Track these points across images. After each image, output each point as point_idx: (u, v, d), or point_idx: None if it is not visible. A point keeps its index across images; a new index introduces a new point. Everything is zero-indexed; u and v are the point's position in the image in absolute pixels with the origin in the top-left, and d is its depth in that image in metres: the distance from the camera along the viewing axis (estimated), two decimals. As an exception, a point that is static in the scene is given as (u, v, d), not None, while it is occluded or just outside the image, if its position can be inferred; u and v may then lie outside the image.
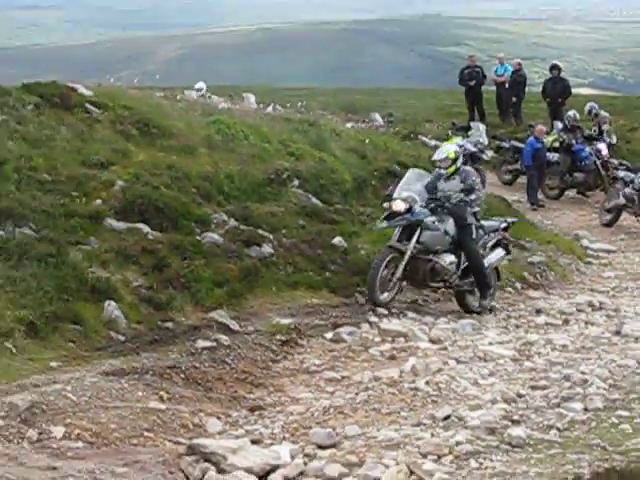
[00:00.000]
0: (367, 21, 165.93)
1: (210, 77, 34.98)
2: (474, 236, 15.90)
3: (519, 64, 35.67)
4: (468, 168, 16.64)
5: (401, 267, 14.90)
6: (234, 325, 13.25)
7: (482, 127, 28.55)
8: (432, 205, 15.53)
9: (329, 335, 13.68)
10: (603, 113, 29.26)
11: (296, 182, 17.82)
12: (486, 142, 27.53)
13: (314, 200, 17.60)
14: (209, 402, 11.20)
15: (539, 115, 33.12)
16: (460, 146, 26.71)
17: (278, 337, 13.25)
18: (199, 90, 29.20)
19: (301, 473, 9.07)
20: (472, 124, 29.35)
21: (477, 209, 16.24)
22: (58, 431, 9.57)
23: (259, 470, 9.17)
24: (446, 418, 10.12)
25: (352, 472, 8.85)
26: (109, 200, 14.89)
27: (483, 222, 16.51)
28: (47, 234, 13.56)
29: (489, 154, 27.91)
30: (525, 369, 12.09)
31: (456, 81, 35.78)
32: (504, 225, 16.95)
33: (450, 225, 15.57)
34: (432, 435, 9.65)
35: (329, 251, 16.04)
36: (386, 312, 14.89)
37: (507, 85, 34.96)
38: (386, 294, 14.81)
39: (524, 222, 22.03)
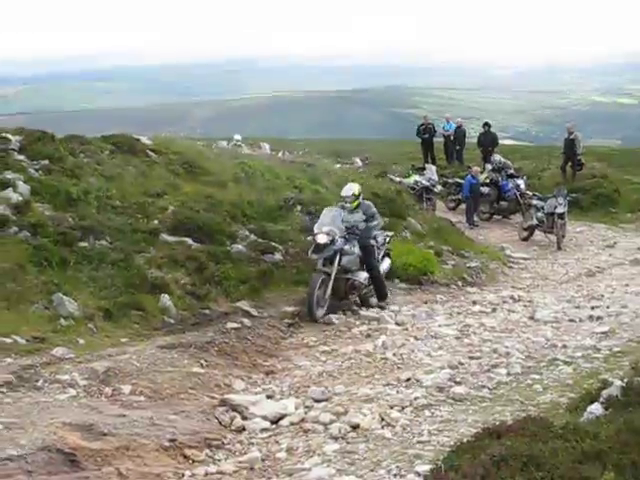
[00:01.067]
0: (349, 90, 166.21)
1: (235, 131, 35.00)
2: (375, 255, 15.11)
3: (460, 122, 35.84)
4: (367, 202, 15.50)
5: (330, 286, 13.99)
6: (254, 311, 13.27)
7: (433, 168, 28.77)
8: (345, 234, 14.56)
9: (322, 320, 13.73)
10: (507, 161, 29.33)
11: (299, 207, 17.81)
12: (436, 179, 27.73)
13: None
14: (235, 368, 11.19)
15: (475, 159, 33.15)
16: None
17: (286, 320, 13.29)
18: (237, 140, 29.14)
19: (302, 420, 9.11)
20: (426, 166, 29.57)
21: (376, 232, 15.37)
22: (126, 389, 9.57)
23: (272, 417, 9.20)
24: (407, 380, 10.14)
25: (339, 419, 8.89)
26: (164, 220, 14.89)
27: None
28: (118, 245, 13.58)
29: (439, 188, 28.05)
30: (464, 344, 12.10)
31: (414, 134, 35.87)
32: (388, 239, 16.07)
33: (357, 247, 14.71)
34: (397, 392, 9.67)
35: (322, 258, 16.06)
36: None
37: (452, 137, 35.10)
38: (320, 310, 13.75)
39: (464, 237, 22.08)
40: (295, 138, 47.73)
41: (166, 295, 12.88)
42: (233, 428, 9.04)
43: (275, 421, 9.17)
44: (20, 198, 13.84)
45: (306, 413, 9.28)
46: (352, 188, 15.28)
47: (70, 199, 14.36)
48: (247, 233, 15.81)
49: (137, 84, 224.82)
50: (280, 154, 28.57)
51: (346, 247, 14.35)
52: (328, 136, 52.88)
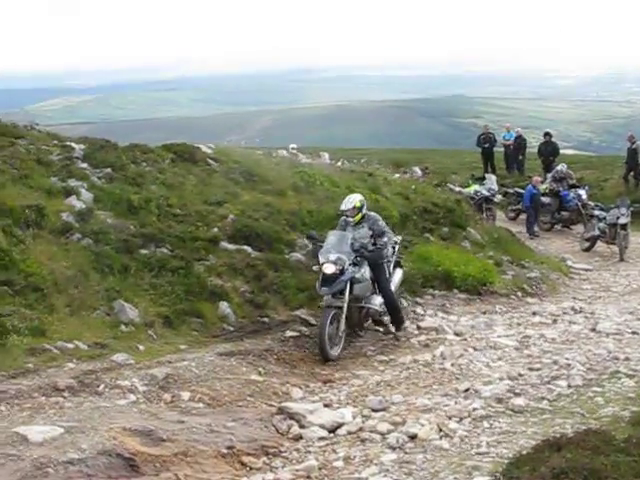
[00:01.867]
0: (410, 100, 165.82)
1: (295, 140, 35.12)
2: (387, 275, 13.63)
3: (520, 131, 35.60)
4: (373, 214, 13.75)
5: (343, 321, 12.47)
6: (312, 320, 13.25)
7: (493, 178, 28.54)
8: (354, 258, 12.97)
9: (381, 329, 13.67)
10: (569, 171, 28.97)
11: (358, 216, 17.77)
12: (496, 189, 27.49)
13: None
14: (293, 376, 11.22)
15: (535, 169, 32.88)
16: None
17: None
18: (293, 148, 29.20)
19: (360, 429, 9.08)
20: (486, 175, 29.35)
21: (389, 249, 13.87)
22: (185, 395, 9.65)
23: (329, 426, 9.19)
24: (466, 390, 10.06)
25: (397, 429, 8.84)
26: (223, 228, 14.95)
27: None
28: (179, 253, 13.67)
29: (499, 197, 27.85)
30: (524, 355, 11.96)
31: (474, 144, 35.68)
32: (396, 247, 14.39)
33: (367, 269, 13.17)
34: (455, 403, 9.60)
35: (378, 267, 16.00)
36: (422, 312, 14.85)
37: (512, 147, 34.84)
38: (336, 348, 12.30)
39: (524, 247, 21.86)
40: (355, 147, 47.72)
41: (225, 303, 12.95)
42: (290, 436, 9.05)
43: (332, 430, 9.16)
44: (83, 206, 14.03)
45: (363, 422, 9.26)
46: (353, 200, 13.53)
47: (132, 207, 14.52)
48: (305, 242, 15.81)
49: (200, 94, 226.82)
50: (339, 163, 28.50)
51: (357, 275, 12.86)
52: (388, 146, 52.78)
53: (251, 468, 8.18)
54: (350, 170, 23.41)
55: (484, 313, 15.58)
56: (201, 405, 9.50)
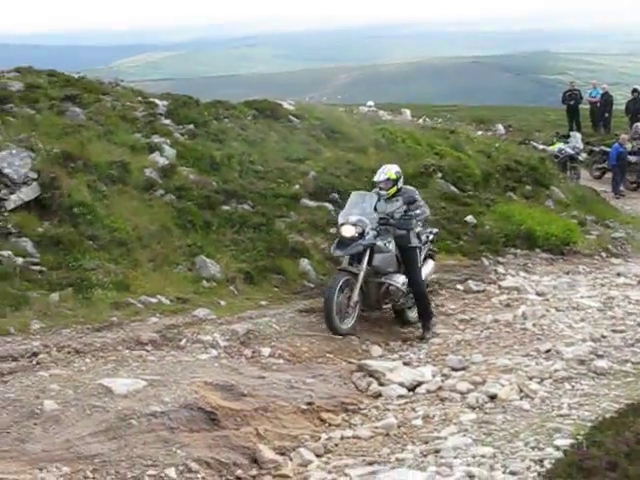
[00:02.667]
0: (493, 56, 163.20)
1: (376, 97, 34.85)
2: (419, 262, 11.96)
3: (607, 88, 34.81)
4: (410, 188, 12.34)
5: (356, 290, 11.03)
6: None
7: (578, 135, 27.96)
8: (378, 227, 11.57)
9: (461, 287, 13.58)
10: None
11: (439, 174, 17.60)
12: (581, 147, 26.95)
13: (452, 188, 17.38)
14: (373, 334, 11.24)
15: (622, 127, 32.14)
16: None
17: (424, 288, 13.18)
18: (370, 106, 29.02)
19: (439, 388, 9.08)
20: (571, 133, 28.75)
21: (420, 228, 12.25)
22: (266, 351, 9.74)
23: (409, 384, 9.21)
24: (547, 351, 9.97)
25: (477, 389, 8.81)
26: (304, 185, 14.95)
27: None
28: (260, 209, 13.73)
29: (584, 156, 27.30)
30: (608, 317, 11.81)
31: (558, 101, 34.98)
32: (431, 238, 12.75)
33: (393, 244, 11.65)
34: (536, 364, 9.52)
35: (463, 226, 15.86)
36: (504, 271, 14.68)
37: (598, 104, 34.08)
38: (348, 321, 10.97)
39: (609, 207, 21.45)
40: (436, 104, 47.16)
41: (306, 259, 12.98)
42: (369, 394, 9.09)
43: (411, 388, 9.17)
44: (166, 162, 14.14)
45: (443, 381, 9.25)
46: (388, 171, 12.05)
47: (214, 163, 14.59)
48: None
49: (279, 50, 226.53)
50: (421, 120, 28.25)
51: (379, 243, 11.42)
52: (470, 103, 51.99)
53: (330, 424, 8.23)
54: (432, 127, 23.16)
55: (567, 273, 15.35)
56: (281, 361, 9.58)
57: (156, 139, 14.79)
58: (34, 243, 11.41)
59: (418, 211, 11.87)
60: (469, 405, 8.36)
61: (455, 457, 6.79)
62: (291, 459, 7.44)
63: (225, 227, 13.10)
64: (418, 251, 11.96)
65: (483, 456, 6.71)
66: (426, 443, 7.40)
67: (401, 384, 9.19)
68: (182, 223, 12.81)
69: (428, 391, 9.04)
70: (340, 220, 11.58)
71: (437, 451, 7.06)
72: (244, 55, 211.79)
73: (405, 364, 9.94)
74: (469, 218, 16.16)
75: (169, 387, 7.87)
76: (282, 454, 7.49)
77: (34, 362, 8.63)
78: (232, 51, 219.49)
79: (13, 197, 11.96)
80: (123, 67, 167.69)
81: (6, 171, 12.10)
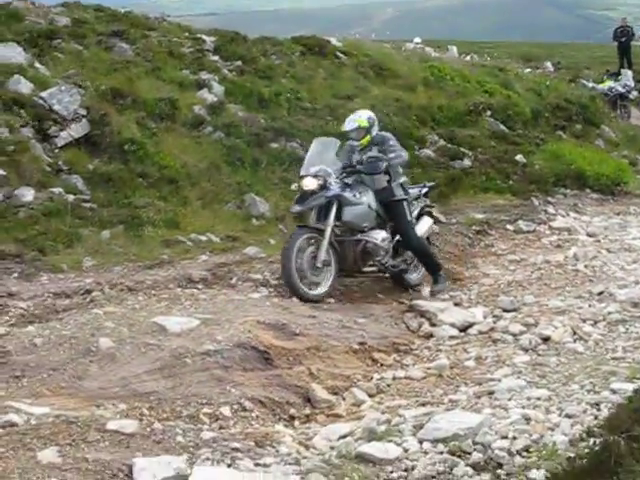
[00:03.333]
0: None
1: (422, 33, 34.38)
2: (409, 217, 10.44)
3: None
4: (385, 133, 10.67)
5: (323, 248, 9.54)
6: (441, 217, 13.06)
7: (629, 73, 27.41)
8: (346, 176, 10.22)
9: (511, 227, 13.42)
10: None
11: (489, 113, 17.39)
12: (632, 85, 26.43)
13: (502, 127, 17.17)
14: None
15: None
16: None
17: (474, 227, 13.04)
18: (417, 43, 28.63)
19: (491, 329, 8.99)
20: (622, 71, 28.20)
21: (404, 179, 10.68)
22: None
23: (460, 325, 9.13)
24: (600, 293, 9.83)
25: (529, 330, 8.71)
26: (352, 123, 14.84)
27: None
28: (309, 147, 13.63)
29: (634, 94, 26.79)
30: (660, 259, 11.64)
31: (606, 38, 34.28)
32: (425, 190, 11.30)
33: (371, 197, 10.21)
34: (589, 306, 9.39)
35: (512, 165, 15.67)
36: (554, 211, 14.50)
37: (650, 41, 33.44)
38: (317, 286, 9.56)
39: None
40: (482, 41, 46.43)
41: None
42: (421, 334, 9.04)
43: (463, 329, 9.09)
44: (215, 99, 14.07)
45: (495, 322, 9.16)
46: (358, 118, 10.54)
47: (262, 100, 14.50)
48: (436, 138, 15.60)
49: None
50: (468, 57, 27.82)
51: (346, 194, 9.92)
52: (518, 39, 51.13)
53: (382, 364, 8.20)
54: (480, 65, 22.82)
55: (618, 214, 15.12)
56: (332, 301, 9.54)
57: (204, 76, 14.70)
58: (84, 180, 11.47)
59: (392, 155, 10.23)
60: (522, 347, 8.27)
61: (509, 399, 6.72)
62: (344, 399, 7.42)
63: (274, 165, 13.04)
64: (405, 204, 10.45)
65: (538, 399, 6.62)
66: (479, 385, 7.33)
67: (452, 325, 9.12)
68: (231, 160, 12.78)
69: (480, 332, 8.95)
70: (302, 172, 10.11)
71: (491, 393, 6.99)
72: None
73: (456, 304, 9.85)
74: (519, 157, 15.98)
75: (222, 326, 7.87)
76: (335, 394, 7.47)
77: (88, 299, 8.67)
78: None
79: (63, 134, 11.98)
80: (167, 2, 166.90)
81: (56, 107, 12.10)
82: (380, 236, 10.11)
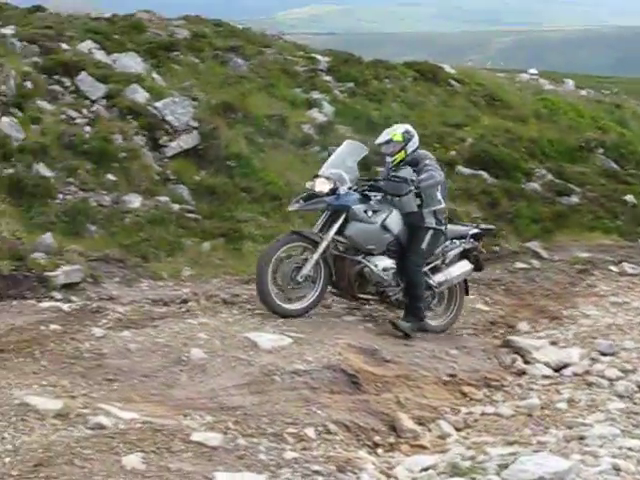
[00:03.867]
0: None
1: (537, 64, 34.04)
2: (424, 245, 9.20)
3: None
4: (422, 151, 9.57)
5: (311, 262, 8.72)
6: (544, 253, 12.93)
7: None
8: (370, 190, 9.32)
9: (615, 269, 13.11)
10: None
11: (601, 150, 17.04)
12: None
13: (613, 165, 16.79)
14: (521, 309, 10.99)
15: None
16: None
17: (576, 266, 12.82)
18: (533, 74, 28.35)
19: (586, 372, 8.77)
20: None
21: (441, 206, 9.38)
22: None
23: (554, 365, 8.95)
24: None
25: (626, 377, 8.47)
26: (461, 152, 14.79)
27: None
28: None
29: None
30: None
31: None
32: (474, 232, 9.95)
33: (394, 219, 9.20)
34: (695, 355, 9.11)
35: (621, 205, 15.29)
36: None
37: None
38: (295, 300, 8.83)
39: None
40: (601, 75, 45.66)
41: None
42: (514, 371, 8.89)
43: (557, 369, 8.90)
44: (324, 118, 14.19)
45: (591, 365, 8.93)
46: (392, 131, 9.57)
47: (371, 123, 14.51)
48: (544, 172, 15.37)
49: (443, 10, 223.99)
50: (584, 92, 27.38)
51: (356, 207, 9.01)
52: (638, 75, 50.14)
53: (471, 399, 8.09)
54: (596, 100, 22.41)
55: None
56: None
57: (315, 95, 14.85)
58: (190, 191, 11.70)
59: (423, 175, 9.10)
60: (617, 393, 8.06)
61: (600, 446, 6.53)
62: (430, 430, 7.34)
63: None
64: (431, 233, 9.26)
65: (630, 449, 6.43)
66: (570, 428, 7.16)
67: (547, 364, 8.94)
68: (334, 182, 12.81)
69: (574, 374, 8.75)
70: (320, 171, 9.23)
71: (581, 438, 6.82)
72: (405, 13, 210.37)
73: (552, 343, 9.65)
74: (629, 197, 15.59)
75: (313, 346, 7.89)
76: (421, 424, 7.40)
77: (183, 309, 8.83)
78: (394, 8, 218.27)
79: (173, 144, 12.26)
80: (286, 18, 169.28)
81: (168, 118, 12.38)
82: (381, 263, 9.10)
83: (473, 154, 14.79)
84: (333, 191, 8.89)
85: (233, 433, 6.19)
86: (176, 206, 11.20)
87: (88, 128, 11.86)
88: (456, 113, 16.22)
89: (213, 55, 15.14)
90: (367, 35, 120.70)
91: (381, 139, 9.48)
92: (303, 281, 8.75)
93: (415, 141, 9.46)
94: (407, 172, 9.18)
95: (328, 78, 15.86)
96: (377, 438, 6.95)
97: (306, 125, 13.80)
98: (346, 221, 8.92)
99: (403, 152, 9.32)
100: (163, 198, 11.22)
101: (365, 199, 9.15)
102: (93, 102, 12.42)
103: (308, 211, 9.48)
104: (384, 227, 9.12)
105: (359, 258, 9.01)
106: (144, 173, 11.55)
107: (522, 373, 8.84)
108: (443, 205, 9.45)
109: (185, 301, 9.05)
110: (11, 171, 10.61)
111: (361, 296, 9.30)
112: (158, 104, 12.51)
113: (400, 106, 15.59)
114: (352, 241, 8.99)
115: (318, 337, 8.19)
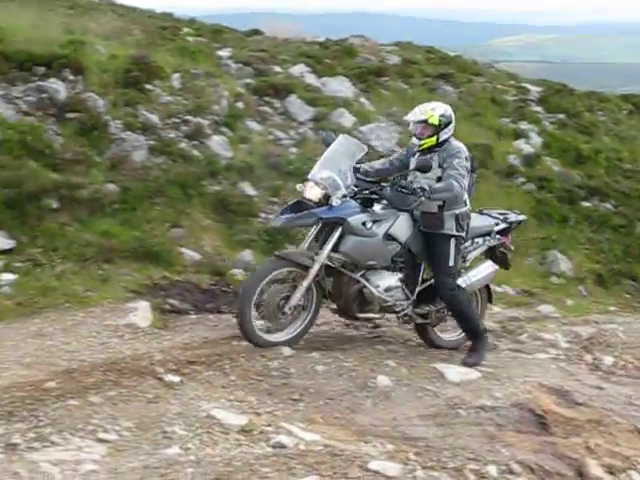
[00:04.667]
0: None
1: None
2: (452, 261, 7.97)
3: None
4: (457, 144, 7.95)
5: (300, 291, 7.68)
6: None
7: None
8: (366, 192, 7.87)
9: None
10: None
11: None
12: None
13: None
14: None
15: None
16: None
17: None
18: None
19: None
20: None
21: (466, 208, 8.02)
22: (608, 360, 9.28)
23: None
24: None
25: None
26: None
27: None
28: (622, 210, 13.23)
29: None
30: None
31: None
32: (501, 227, 8.70)
33: (401, 225, 7.96)
34: None
35: None
36: None
37: None
38: (279, 332, 7.82)
39: None
40: None
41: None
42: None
43: None
44: (531, 150, 14.00)
45: None
46: (428, 109, 7.96)
47: (580, 157, 14.22)
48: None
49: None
50: None
51: (355, 218, 7.72)
52: None
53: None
54: None
55: None
56: (623, 373, 9.08)
57: (523, 126, 14.68)
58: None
59: (440, 185, 7.71)
60: None
61: None
62: (619, 480, 7.05)
63: (583, 224, 12.74)
64: (454, 243, 7.98)
65: None
66: None
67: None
68: (538, 214, 12.62)
69: None
70: (311, 173, 7.89)
71: None
72: (630, 43, 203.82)
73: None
74: None
75: (502, 382, 7.74)
76: (611, 473, 7.07)
77: (374, 335, 8.85)
78: (618, 38, 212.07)
79: (376, 169, 12.36)
80: (501, 45, 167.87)
81: (373, 143, 12.51)
82: (384, 283, 8.01)
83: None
84: (326, 199, 7.68)
85: (413, 464, 6.13)
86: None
87: (294, 149, 12.15)
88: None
89: (422, 82, 15.24)
90: (584, 65, 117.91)
91: (414, 117, 7.94)
92: (290, 312, 7.79)
93: (451, 128, 7.99)
94: (434, 163, 7.80)
95: (538, 108, 15.64)
96: (562, 483, 6.73)
97: (512, 156, 13.64)
98: (341, 235, 7.71)
99: (435, 138, 7.89)
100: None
101: (366, 205, 7.86)
102: (300, 124, 12.73)
103: (295, 227, 8.55)
104: (388, 237, 7.91)
105: (357, 276, 7.90)
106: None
107: None
108: (467, 207, 8.10)
109: (377, 326, 9.08)
110: (217, 188, 11.00)
111: (361, 316, 8.26)
112: (364, 128, 12.69)
113: (612, 140, 15.20)
114: (349, 257, 7.80)
115: (507, 373, 8.03)
